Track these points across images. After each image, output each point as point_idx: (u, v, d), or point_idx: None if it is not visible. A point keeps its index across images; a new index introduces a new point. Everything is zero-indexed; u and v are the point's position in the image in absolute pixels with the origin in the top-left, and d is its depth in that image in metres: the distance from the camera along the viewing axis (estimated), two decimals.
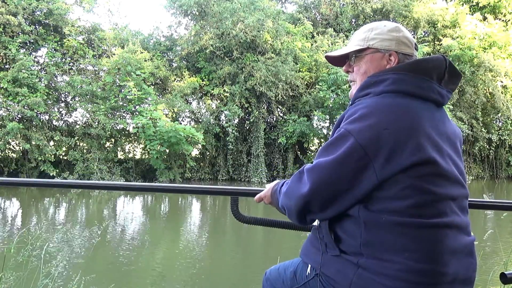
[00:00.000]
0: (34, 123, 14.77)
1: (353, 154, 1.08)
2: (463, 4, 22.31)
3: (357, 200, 1.12)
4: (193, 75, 17.30)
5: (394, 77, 1.17)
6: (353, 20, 22.09)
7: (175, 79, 17.45)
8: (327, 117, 17.99)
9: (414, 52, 1.27)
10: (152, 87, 16.50)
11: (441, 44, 20.37)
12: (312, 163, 1.19)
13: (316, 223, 1.29)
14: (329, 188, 1.10)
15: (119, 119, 16.00)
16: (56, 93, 16.06)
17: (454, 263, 1.08)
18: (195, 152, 18.20)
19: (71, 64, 16.29)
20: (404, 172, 1.07)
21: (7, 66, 14.92)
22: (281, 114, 19.14)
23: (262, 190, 1.46)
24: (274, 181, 1.44)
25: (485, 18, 21.72)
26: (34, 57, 15.83)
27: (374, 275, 1.08)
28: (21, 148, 14.55)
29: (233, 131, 17.20)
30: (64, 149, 16.00)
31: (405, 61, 1.24)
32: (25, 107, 14.09)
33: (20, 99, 13.97)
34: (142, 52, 16.15)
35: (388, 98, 1.15)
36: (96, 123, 15.33)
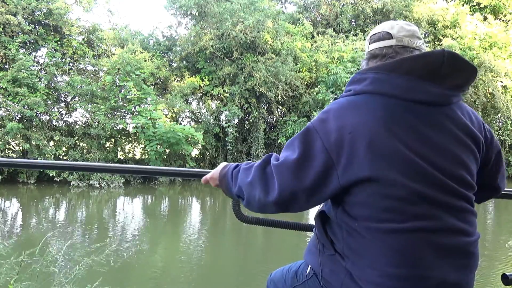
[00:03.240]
0: (34, 123, 14.75)
1: (317, 156, 1.07)
2: (463, 5, 22.31)
3: (323, 200, 1.12)
4: (193, 76, 17.29)
5: (373, 76, 1.12)
6: (353, 20, 22.08)
7: (175, 79, 17.44)
8: None
9: (415, 42, 1.20)
10: (152, 87, 16.49)
11: (441, 45, 20.36)
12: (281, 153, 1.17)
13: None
14: (293, 188, 1.09)
15: (119, 119, 15.99)
16: (56, 93, 16.05)
17: (441, 266, 1.04)
18: (195, 152, 18.20)
19: (71, 64, 16.28)
20: (365, 181, 1.04)
21: (6, 66, 14.91)
22: (281, 115, 19.14)
23: (208, 172, 1.43)
24: (222, 163, 1.41)
25: (485, 19, 21.72)
26: (34, 57, 15.81)
27: (357, 279, 1.08)
28: (20, 148, 14.53)
29: (233, 132, 17.19)
30: (64, 149, 15.98)
31: (405, 54, 1.18)
32: (25, 107, 14.08)
33: (20, 99, 13.96)
34: (142, 52, 16.14)
35: (362, 99, 1.11)
36: (96, 123, 15.32)
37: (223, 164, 1.38)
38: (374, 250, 1.05)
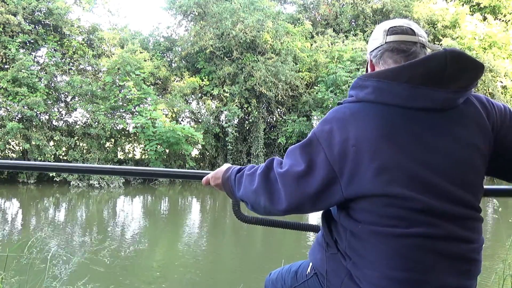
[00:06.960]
0: (34, 123, 14.75)
1: (321, 168, 1.08)
2: (463, 5, 22.32)
3: (329, 207, 1.15)
4: (193, 75, 17.29)
5: (374, 85, 1.08)
6: (353, 21, 22.09)
7: (175, 79, 17.44)
8: None
9: (412, 38, 1.15)
10: (152, 87, 16.50)
11: (441, 45, 20.36)
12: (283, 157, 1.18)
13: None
14: (300, 199, 1.11)
15: (119, 119, 15.99)
16: (56, 93, 16.05)
17: (441, 272, 1.04)
18: (195, 152, 18.19)
19: (71, 64, 16.28)
20: (370, 196, 1.05)
21: (6, 66, 14.91)
22: (281, 114, 19.14)
23: (207, 173, 1.43)
24: (225, 164, 1.39)
25: (485, 19, 21.73)
26: (34, 57, 15.80)
27: (358, 280, 1.09)
28: (21, 148, 14.53)
29: (233, 131, 17.20)
30: (64, 149, 15.98)
31: (401, 47, 1.14)
32: (25, 107, 14.07)
33: (20, 99, 13.96)
34: (141, 52, 16.15)
35: (364, 108, 1.09)
36: (96, 123, 15.32)
37: (226, 165, 1.37)
38: (375, 252, 1.06)
